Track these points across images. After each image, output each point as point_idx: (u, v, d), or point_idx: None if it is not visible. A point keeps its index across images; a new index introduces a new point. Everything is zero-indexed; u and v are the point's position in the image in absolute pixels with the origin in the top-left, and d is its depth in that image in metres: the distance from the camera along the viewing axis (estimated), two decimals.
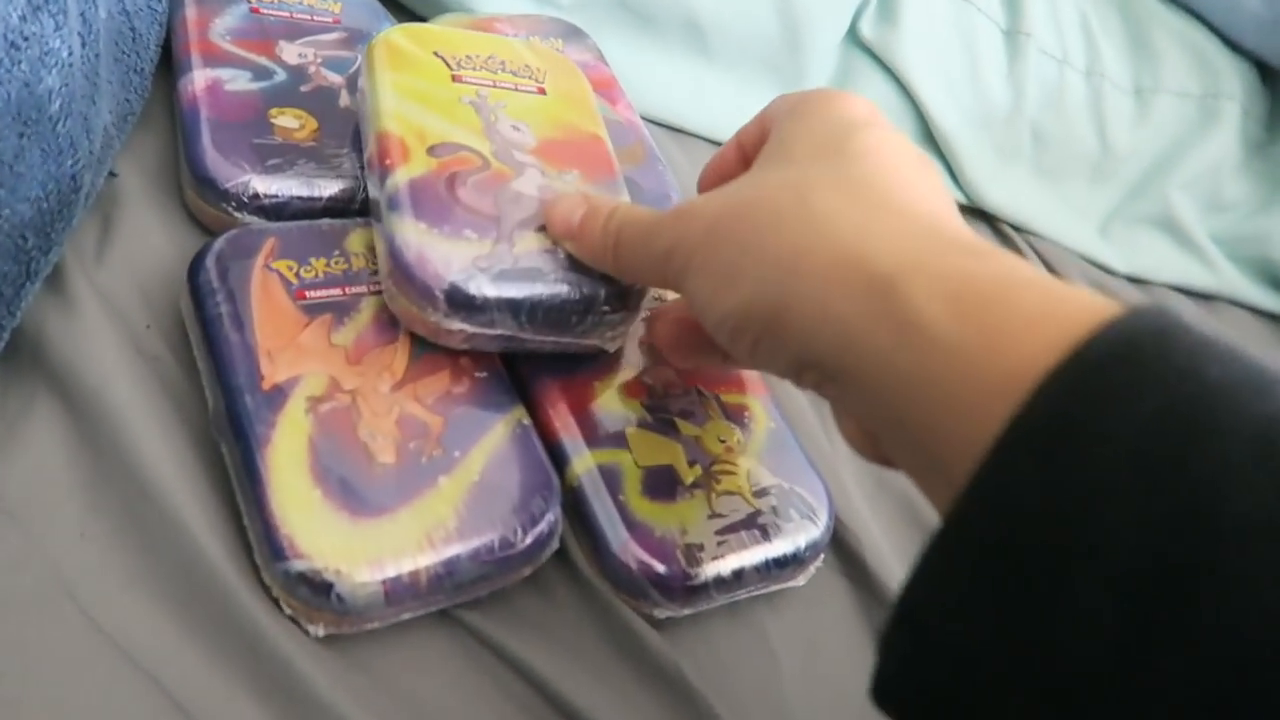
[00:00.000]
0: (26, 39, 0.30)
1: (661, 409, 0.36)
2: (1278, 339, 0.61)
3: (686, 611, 0.33)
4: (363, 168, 0.36)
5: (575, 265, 0.33)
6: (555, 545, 0.31)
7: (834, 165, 0.26)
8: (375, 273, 0.34)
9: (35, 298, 0.31)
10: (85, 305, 0.31)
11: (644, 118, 0.52)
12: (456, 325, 0.31)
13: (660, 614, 0.32)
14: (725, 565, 0.33)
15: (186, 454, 0.29)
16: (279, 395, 0.29)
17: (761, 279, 0.25)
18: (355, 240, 0.34)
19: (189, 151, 0.35)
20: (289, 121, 0.37)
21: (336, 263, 0.34)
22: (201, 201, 0.35)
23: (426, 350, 0.32)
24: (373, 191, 0.34)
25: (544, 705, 0.29)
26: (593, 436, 0.34)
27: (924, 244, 0.23)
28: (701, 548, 0.33)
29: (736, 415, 0.37)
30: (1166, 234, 0.61)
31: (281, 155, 0.36)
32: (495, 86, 0.37)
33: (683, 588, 0.32)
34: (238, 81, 0.38)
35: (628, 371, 0.36)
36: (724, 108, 0.53)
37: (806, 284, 0.24)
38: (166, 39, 0.40)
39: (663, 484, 0.34)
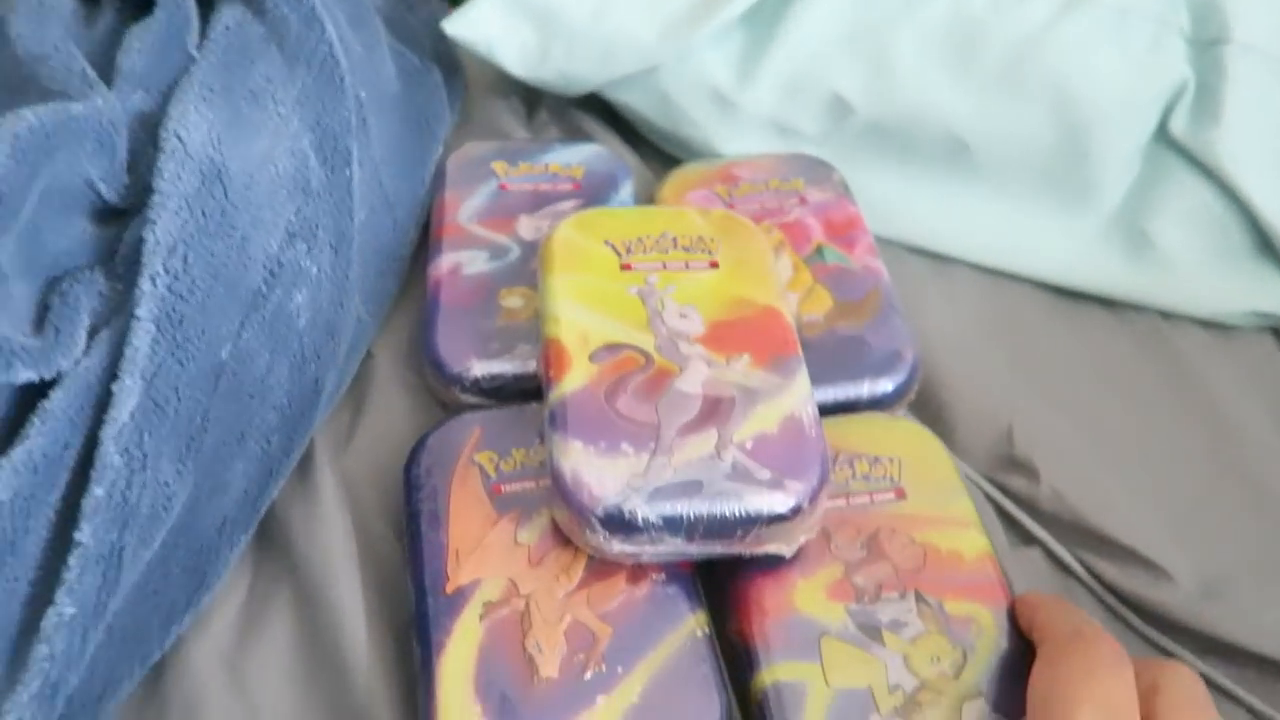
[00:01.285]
0: (282, 265, 0.34)
1: (869, 616, 0.33)
2: None
3: None
4: None
5: (740, 472, 0.31)
6: None
7: None
8: None
9: (285, 486, 0.36)
10: (325, 493, 0.35)
11: (903, 246, 0.48)
12: (618, 547, 0.31)
13: None
14: None
15: (388, 650, 0.32)
16: (459, 599, 0.31)
17: None
18: None
19: (425, 337, 0.39)
20: (515, 302, 0.39)
21: (535, 452, 0.35)
22: (435, 383, 0.39)
23: None
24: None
25: None
26: (783, 644, 0.32)
27: None
28: None
29: (960, 629, 0.32)
30: None
31: (503, 338, 0.38)
32: (665, 269, 0.37)
33: None
34: (475, 264, 0.41)
35: (835, 569, 0.34)
36: (995, 231, 0.48)
37: None
38: (427, 221, 0.44)
39: (854, 710, 0.31)
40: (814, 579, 0.33)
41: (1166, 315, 0.48)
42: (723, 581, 0.34)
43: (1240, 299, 0.47)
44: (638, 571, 0.32)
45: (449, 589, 0.31)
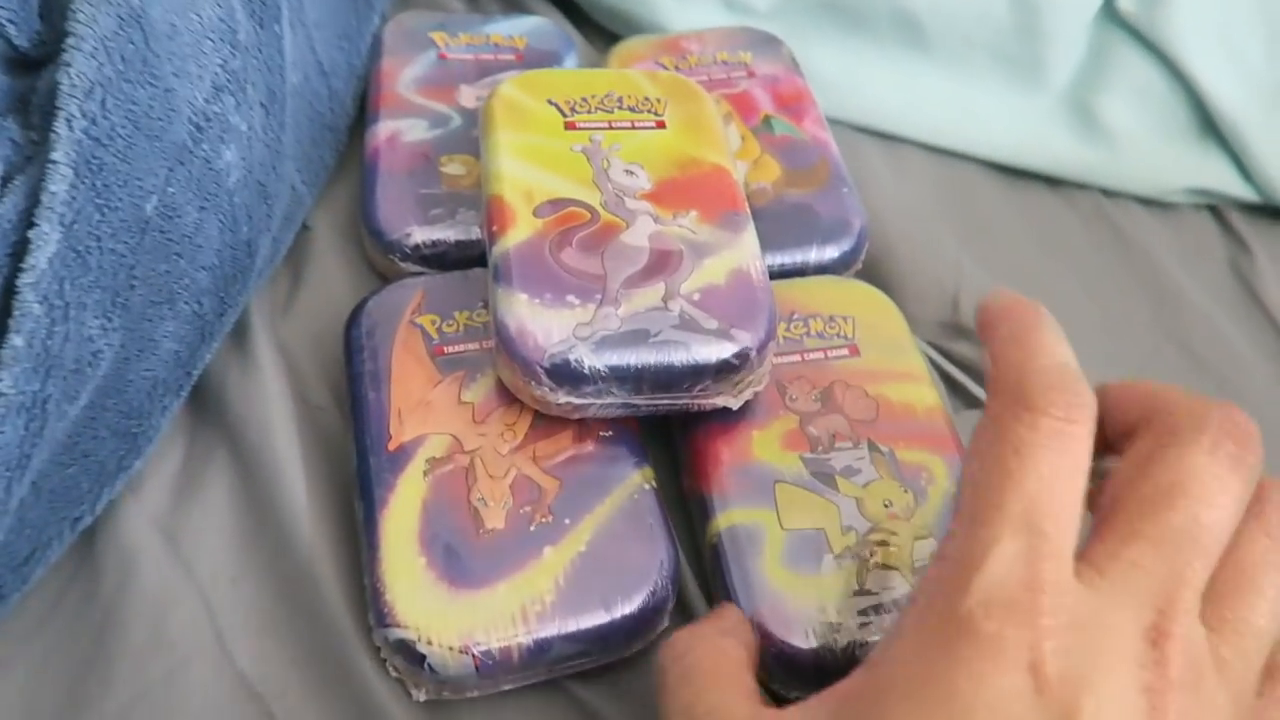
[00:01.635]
0: (209, 119, 0.33)
1: (822, 464, 0.33)
2: None
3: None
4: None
5: (687, 322, 0.31)
6: (664, 623, 0.29)
7: None
8: None
9: (221, 353, 0.34)
10: (263, 359, 0.34)
11: (853, 126, 0.48)
12: (563, 398, 0.30)
13: (792, 694, 0.29)
14: (864, 650, 0.29)
15: (330, 510, 0.31)
16: (402, 456, 0.30)
17: None
18: None
19: (363, 204, 0.37)
20: (456, 169, 0.38)
21: (479, 315, 0.34)
22: (374, 253, 0.37)
23: None
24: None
25: None
26: (739, 491, 0.32)
27: None
28: (839, 627, 0.29)
29: (912, 476, 0.33)
30: None
31: (444, 204, 0.37)
32: (611, 128, 0.36)
33: (812, 669, 0.29)
34: (415, 131, 0.39)
35: (790, 420, 0.34)
36: (945, 108, 0.48)
37: None
38: (364, 92, 0.42)
39: (808, 551, 0.31)
40: (769, 430, 0.33)
41: (1108, 193, 0.48)
42: (678, 438, 0.34)
43: (1181, 176, 0.48)
44: (584, 428, 0.32)
45: (392, 446, 0.30)
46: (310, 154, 0.39)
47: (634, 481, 0.31)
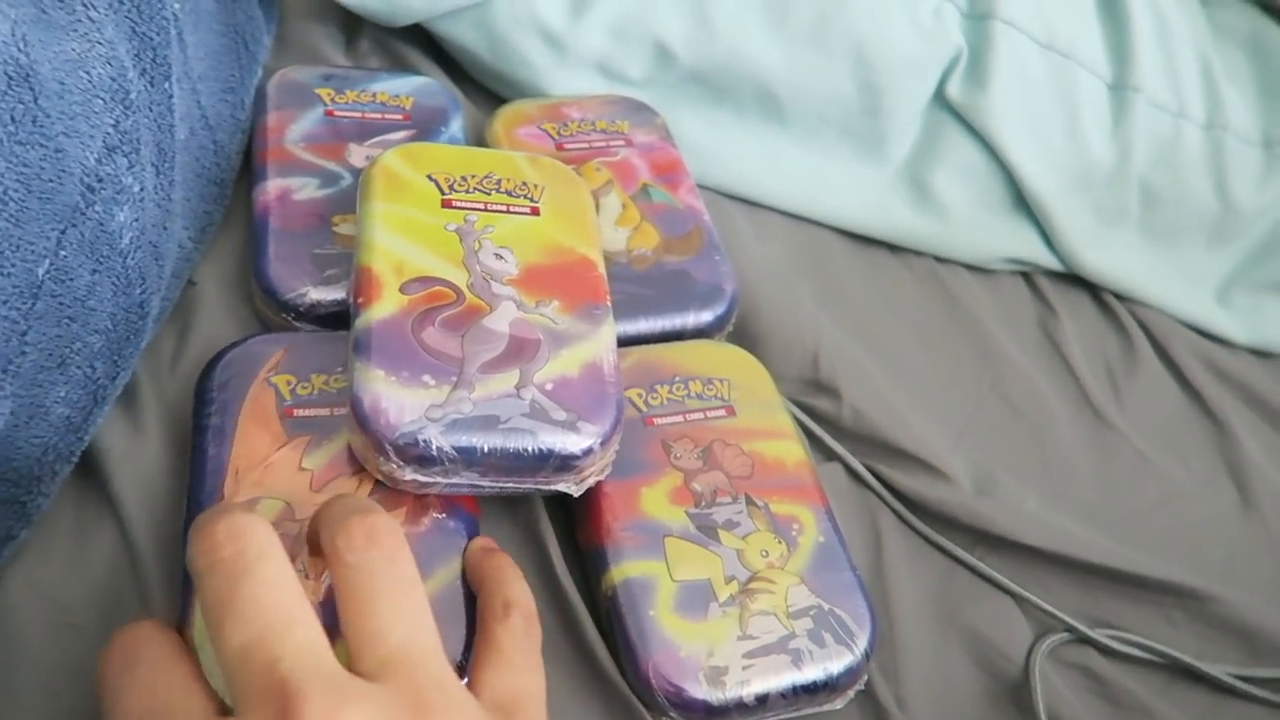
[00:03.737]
0: (101, 180, 0.32)
1: (706, 517, 0.36)
2: None
3: None
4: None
5: (537, 411, 0.32)
6: None
7: None
8: None
9: (109, 416, 0.34)
10: (148, 421, 0.34)
11: (719, 191, 0.51)
12: (410, 475, 0.31)
13: None
14: (749, 690, 0.32)
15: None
16: None
17: None
18: None
19: (255, 261, 0.37)
20: (350, 229, 0.39)
21: (336, 379, 0.34)
22: (268, 310, 0.37)
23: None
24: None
25: None
26: (632, 545, 0.34)
27: None
28: (726, 671, 0.32)
29: (784, 527, 0.36)
30: None
31: (340, 264, 0.38)
32: (486, 209, 0.37)
33: (704, 711, 0.32)
34: (306, 189, 0.40)
35: (676, 477, 0.36)
36: (801, 177, 0.52)
37: None
38: (249, 146, 0.42)
39: (697, 599, 0.34)
40: (657, 486, 0.36)
41: (940, 259, 0.54)
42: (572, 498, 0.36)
43: (1000, 246, 0.54)
44: (419, 507, 0.33)
45: None
46: (197, 209, 0.39)
47: (456, 567, 0.32)
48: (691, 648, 0.32)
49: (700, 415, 0.38)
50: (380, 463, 0.31)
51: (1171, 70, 0.56)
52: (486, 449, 0.31)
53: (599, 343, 0.35)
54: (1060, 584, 0.42)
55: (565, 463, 0.32)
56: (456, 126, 0.45)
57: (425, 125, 0.44)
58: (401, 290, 0.34)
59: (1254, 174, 0.56)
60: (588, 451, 0.32)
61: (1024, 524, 0.42)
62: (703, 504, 0.36)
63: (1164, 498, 0.47)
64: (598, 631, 0.34)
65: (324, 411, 0.33)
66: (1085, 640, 0.40)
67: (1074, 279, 0.55)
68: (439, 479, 0.31)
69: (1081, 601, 0.42)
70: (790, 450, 0.38)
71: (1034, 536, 0.42)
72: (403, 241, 0.35)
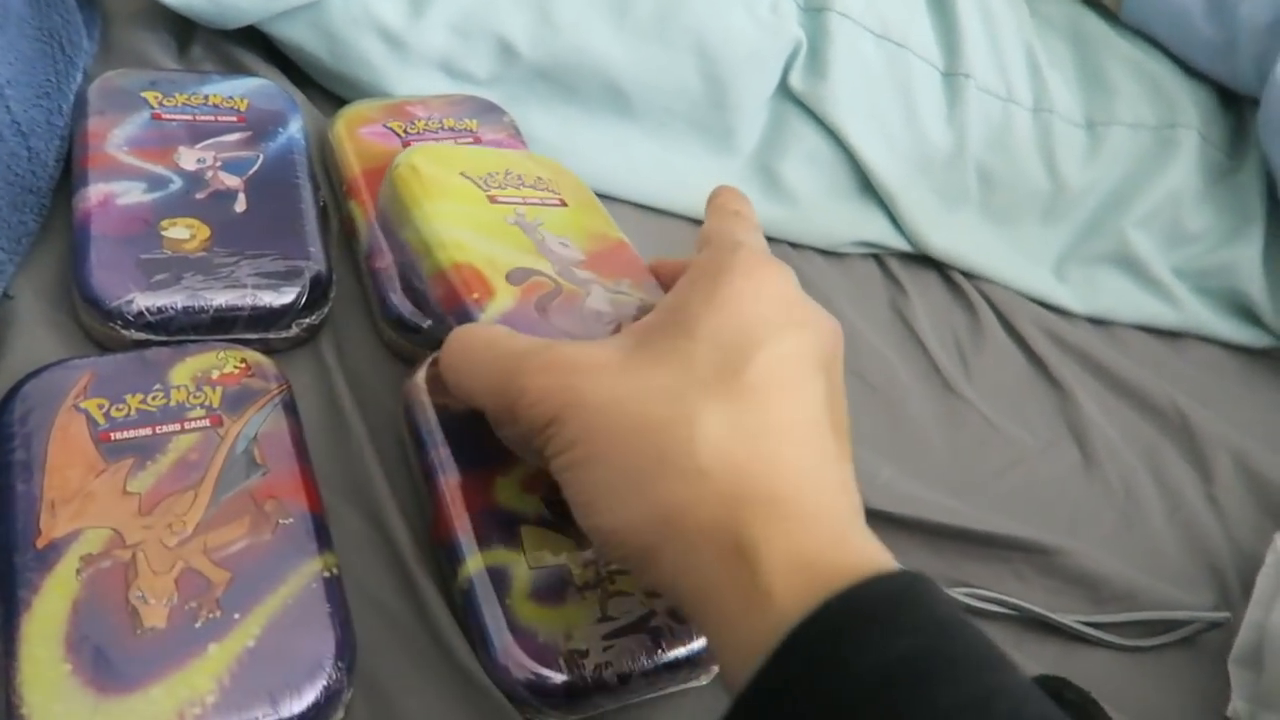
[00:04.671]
0: None
1: (561, 504, 0.35)
2: (1252, 375, 0.59)
3: (573, 718, 0.32)
4: (418, 305, 0.37)
5: None
6: (338, 715, 0.30)
7: (730, 400, 0.27)
8: (196, 406, 0.33)
9: None
10: None
11: None
12: None
13: None
14: (610, 671, 0.32)
15: None
16: (52, 553, 0.29)
17: (644, 517, 0.26)
18: (181, 371, 0.34)
19: (76, 270, 0.36)
20: (179, 233, 0.38)
21: (154, 398, 0.33)
22: (91, 321, 0.36)
23: (230, 494, 0.31)
24: None
25: None
26: (486, 535, 0.34)
27: (793, 524, 0.25)
28: (586, 653, 0.32)
29: None
30: (1126, 271, 0.59)
31: (169, 269, 0.36)
32: (525, 204, 0.37)
33: (564, 695, 0.32)
34: (131, 194, 0.38)
35: (528, 465, 0.36)
36: (651, 171, 0.53)
37: (683, 540, 0.26)
38: (69, 153, 0.40)
39: (554, 586, 0.33)
40: (510, 475, 0.35)
41: (794, 245, 0.56)
42: (423, 489, 0.35)
43: (850, 230, 0.56)
44: (261, 517, 0.32)
45: (40, 543, 0.29)
46: (10, 218, 0.37)
47: (312, 568, 0.31)
48: (549, 633, 0.32)
49: None
50: None
51: (999, 57, 0.59)
52: None
53: None
54: (915, 548, 0.43)
55: None
56: (295, 128, 0.44)
57: (261, 127, 0.43)
58: (508, 280, 0.34)
59: (1079, 154, 0.59)
60: None
61: (878, 493, 0.43)
62: (557, 490, 0.35)
63: (1011, 461, 0.49)
64: (457, 626, 0.33)
65: (145, 431, 0.32)
66: None
67: (923, 259, 0.58)
68: None
69: (935, 563, 0.43)
70: None
71: (888, 504, 0.43)
72: (478, 237, 0.35)
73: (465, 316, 0.33)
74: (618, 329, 0.34)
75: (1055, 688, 0.33)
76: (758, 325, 0.28)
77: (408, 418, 0.36)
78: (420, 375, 0.37)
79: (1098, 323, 0.59)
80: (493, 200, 0.37)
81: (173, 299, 0.36)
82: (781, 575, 0.24)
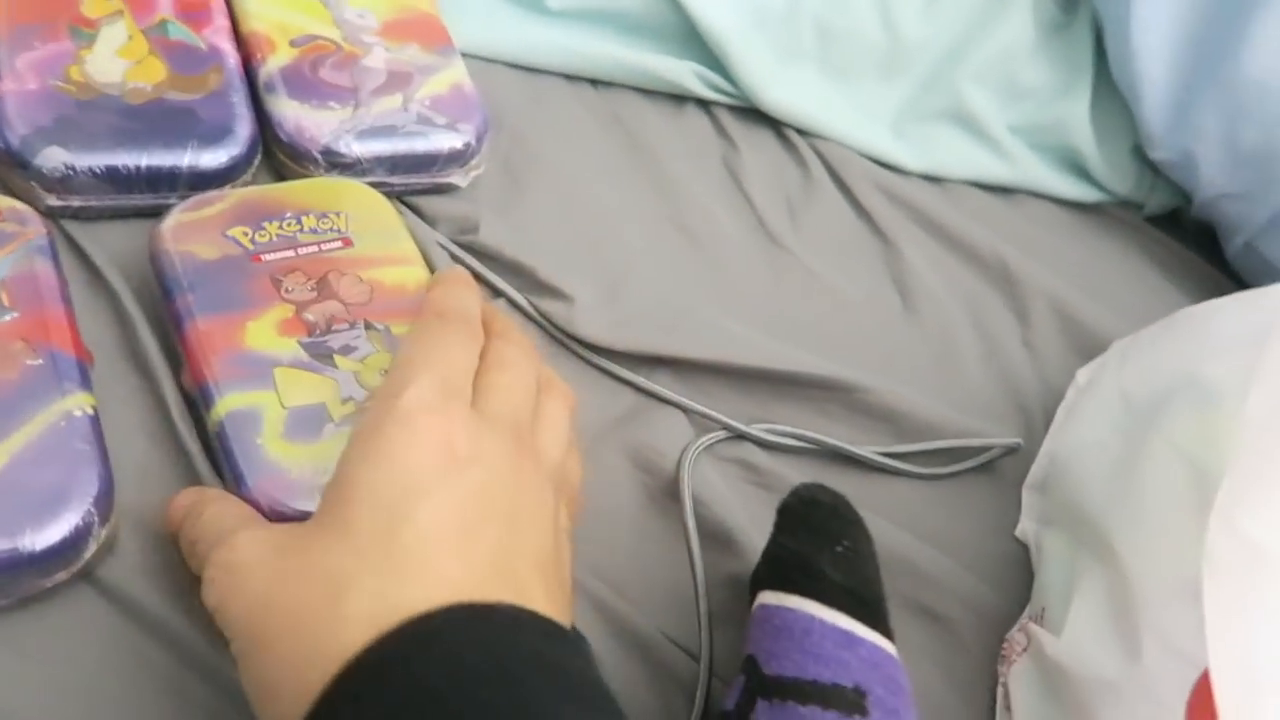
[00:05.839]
0: None
1: (320, 345, 0.35)
2: (1081, 229, 0.60)
3: None
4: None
5: (423, 120, 0.43)
6: (90, 551, 0.29)
7: (384, 569, 0.25)
8: None
9: None
10: None
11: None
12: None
13: None
14: None
15: None
16: None
17: (303, 711, 0.24)
18: None
19: None
20: None
21: None
22: None
23: None
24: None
25: None
26: (236, 378, 0.33)
27: None
28: None
29: None
30: (961, 127, 0.59)
31: None
32: None
33: None
34: None
35: (286, 309, 0.35)
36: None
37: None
38: None
39: (310, 424, 0.33)
40: (263, 320, 0.34)
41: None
42: (174, 339, 0.34)
43: (676, 78, 0.54)
44: (6, 356, 0.31)
45: None
46: None
47: (62, 407, 0.30)
48: (302, 469, 0.32)
49: (314, 248, 0.37)
50: (311, 170, 0.41)
51: None
52: (391, 151, 0.42)
53: (457, 69, 0.46)
54: (724, 390, 0.44)
55: (452, 157, 0.43)
56: None
57: None
58: (291, 44, 0.43)
59: (916, 7, 0.58)
60: (468, 146, 0.43)
61: (692, 336, 0.43)
62: (317, 333, 0.35)
63: (832, 309, 0.49)
64: (212, 469, 0.33)
65: None
66: (742, 436, 0.42)
67: (757, 115, 0.57)
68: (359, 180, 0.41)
69: (743, 404, 0.43)
70: (413, 274, 0.37)
71: (700, 348, 0.43)
72: (276, 8, 0.44)
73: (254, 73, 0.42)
74: (388, 81, 0.44)
75: (810, 493, 0.33)
76: (417, 477, 0.27)
77: (155, 266, 0.35)
78: (166, 224, 0.36)
79: (934, 180, 0.59)
80: None
81: None
82: None
